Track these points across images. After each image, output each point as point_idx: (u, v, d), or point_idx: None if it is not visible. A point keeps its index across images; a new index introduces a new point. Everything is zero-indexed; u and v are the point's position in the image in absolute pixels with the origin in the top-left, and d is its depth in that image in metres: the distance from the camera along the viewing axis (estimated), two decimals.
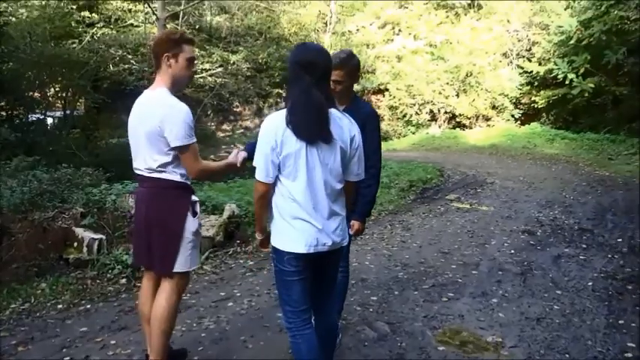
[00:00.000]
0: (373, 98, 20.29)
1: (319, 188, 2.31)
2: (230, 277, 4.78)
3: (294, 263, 2.36)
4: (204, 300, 4.17)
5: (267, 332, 3.56)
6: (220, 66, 14.21)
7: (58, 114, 13.24)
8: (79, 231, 5.05)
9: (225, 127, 19.27)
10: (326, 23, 19.57)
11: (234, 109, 19.27)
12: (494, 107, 19.27)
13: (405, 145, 18.09)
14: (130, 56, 12.19)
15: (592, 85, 16.96)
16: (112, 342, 3.41)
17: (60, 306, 4.03)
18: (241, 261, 5.24)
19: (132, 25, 12.38)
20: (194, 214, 2.76)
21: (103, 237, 5.01)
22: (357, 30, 19.59)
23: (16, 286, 4.28)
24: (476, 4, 19.68)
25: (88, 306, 4.05)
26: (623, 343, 3.48)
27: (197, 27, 14.01)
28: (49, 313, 3.90)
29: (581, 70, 17.10)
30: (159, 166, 2.66)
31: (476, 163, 13.07)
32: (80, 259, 4.84)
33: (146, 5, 11.13)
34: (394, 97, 18.86)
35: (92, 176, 6.43)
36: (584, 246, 5.81)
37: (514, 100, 19.39)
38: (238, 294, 4.31)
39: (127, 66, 12.05)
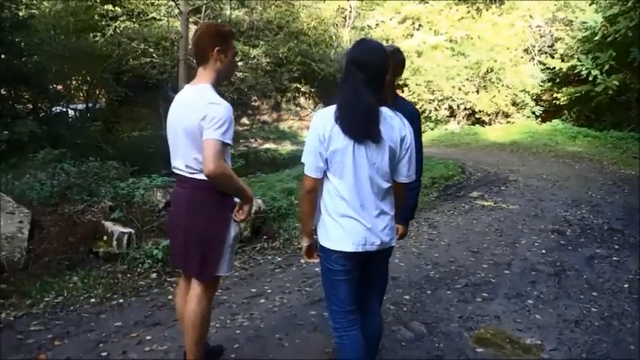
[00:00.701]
0: None
1: (366, 186, 2.27)
2: (259, 273, 4.76)
3: (343, 262, 2.33)
4: (235, 296, 4.15)
5: (301, 331, 3.53)
6: (241, 60, 14.20)
7: (79, 107, 13.33)
8: (109, 225, 5.07)
9: (243, 120, 19.30)
10: (345, 18, 19.45)
11: (252, 104, 19.27)
12: (514, 104, 19.03)
13: (424, 140, 17.79)
14: (151, 50, 12.21)
15: (617, 83, 16.66)
16: (148, 338, 3.41)
17: (93, 300, 4.03)
18: (269, 257, 5.22)
19: (154, 18, 12.40)
20: None
21: (132, 231, 5.02)
22: (377, 25, 19.43)
23: (48, 279, 4.29)
24: None
25: (121, 300, 4.05)
26: None
27: (218, 21, 14.00)
28: (82, 307, 3.91)
29: (606, 67, 16.80)
30: (201, 166, 2.53)
31: (497, 160, 12.92)
32: (110, 253, 4.85)
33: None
34: (413, 93, 18.69)
35: (118, 170, 6.45)
36: (617, 247, 5.71)
37: (535, 97, 19.13)
38: (269, 290, 4.28)
39: (148, 59, 12.07)
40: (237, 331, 3.52)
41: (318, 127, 2.26)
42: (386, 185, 2.33)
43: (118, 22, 11.70)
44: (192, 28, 11.90)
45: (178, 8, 9.11)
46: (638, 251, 5.55)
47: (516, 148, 15.55)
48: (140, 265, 4.67)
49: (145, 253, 4.77)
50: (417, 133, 2.96)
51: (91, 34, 11.86)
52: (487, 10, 19.42)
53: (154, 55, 12.17)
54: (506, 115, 19.31)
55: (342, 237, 2.29)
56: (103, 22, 12.14)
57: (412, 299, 4.10)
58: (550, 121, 18.67)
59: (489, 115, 19.02)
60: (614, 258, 5.32)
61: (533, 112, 19.17)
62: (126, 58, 11.64)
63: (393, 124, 2.28)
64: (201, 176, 2.55)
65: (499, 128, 18.68)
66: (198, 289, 2.70)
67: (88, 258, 4.82)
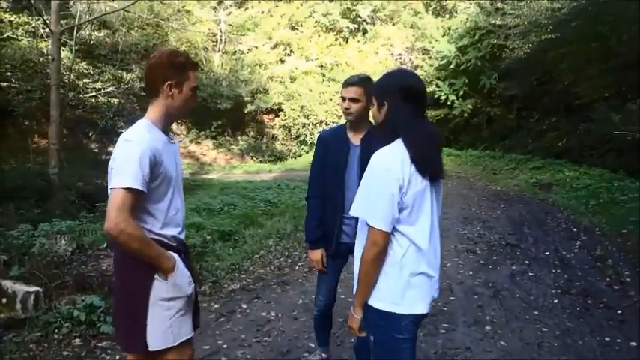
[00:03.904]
0: (265, 118, 20.14)
1: (436, 231, 2.04)
2: (203, 325, 4.20)
3: (412, 328, 2.02)
4: None
5: None
6: (112, 85, 13.10)
7: None
8: (8, 284, 4.23)
9: (110, 149, 17.88)
10: (216, 42, 19.08)
11: (120, 131, 17.95)
12: None
13: (301, 164, 18.08)
14: (9, 73, 10.71)
15: (470, 106, 18.48)
16: None
17: None
18: (204, 305, 4.71)
19: (13, 38, 10.87)
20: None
21: (40, 289, 4.23)
22: (249, 50, 19.36)
23: None
24: (361, 28, 20.46)
25: None
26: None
27: (91, 43, 12.80)
28: None
29: (461, 92, 18.61)
30: None
31: None
32: (14, 319, 4.02)
33: (33, 18, 9.89)
34: (288, 117, 18.85)
35: (2, 214, 5.49)
36: (526, 262, 6.12)
37: None
38: (225, 346, 3.85)
39: (5, 84, 10.56)
40: None
41: (394, 169, 1.90)
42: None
43: None
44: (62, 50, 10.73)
45: (49, 28, 8.09)
46: (545, 265, 6.02)
47: None
48: (57, 331, 3.92)
49: (60, 314, 4.03)
50: None
51: None
52: (353, 38, 20.35)
53: (12, 80, 10.72)
54: None
55: (416, 297, 2.00)
56: None
57: None
58: None
59: None
60: (530, 273, 5.69)
61: None
62: None
63: None
64: None
65: None
66: None
67: None
